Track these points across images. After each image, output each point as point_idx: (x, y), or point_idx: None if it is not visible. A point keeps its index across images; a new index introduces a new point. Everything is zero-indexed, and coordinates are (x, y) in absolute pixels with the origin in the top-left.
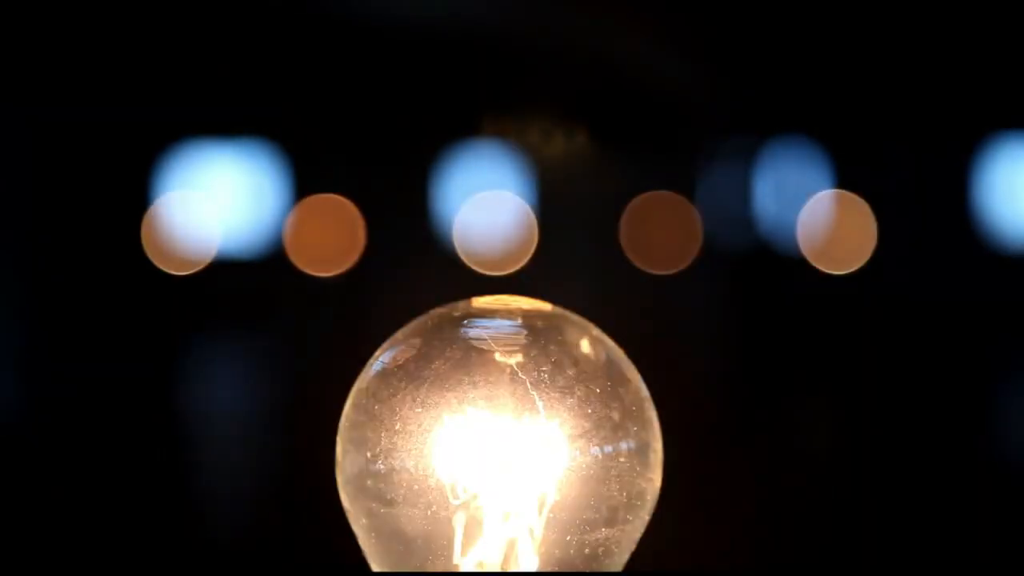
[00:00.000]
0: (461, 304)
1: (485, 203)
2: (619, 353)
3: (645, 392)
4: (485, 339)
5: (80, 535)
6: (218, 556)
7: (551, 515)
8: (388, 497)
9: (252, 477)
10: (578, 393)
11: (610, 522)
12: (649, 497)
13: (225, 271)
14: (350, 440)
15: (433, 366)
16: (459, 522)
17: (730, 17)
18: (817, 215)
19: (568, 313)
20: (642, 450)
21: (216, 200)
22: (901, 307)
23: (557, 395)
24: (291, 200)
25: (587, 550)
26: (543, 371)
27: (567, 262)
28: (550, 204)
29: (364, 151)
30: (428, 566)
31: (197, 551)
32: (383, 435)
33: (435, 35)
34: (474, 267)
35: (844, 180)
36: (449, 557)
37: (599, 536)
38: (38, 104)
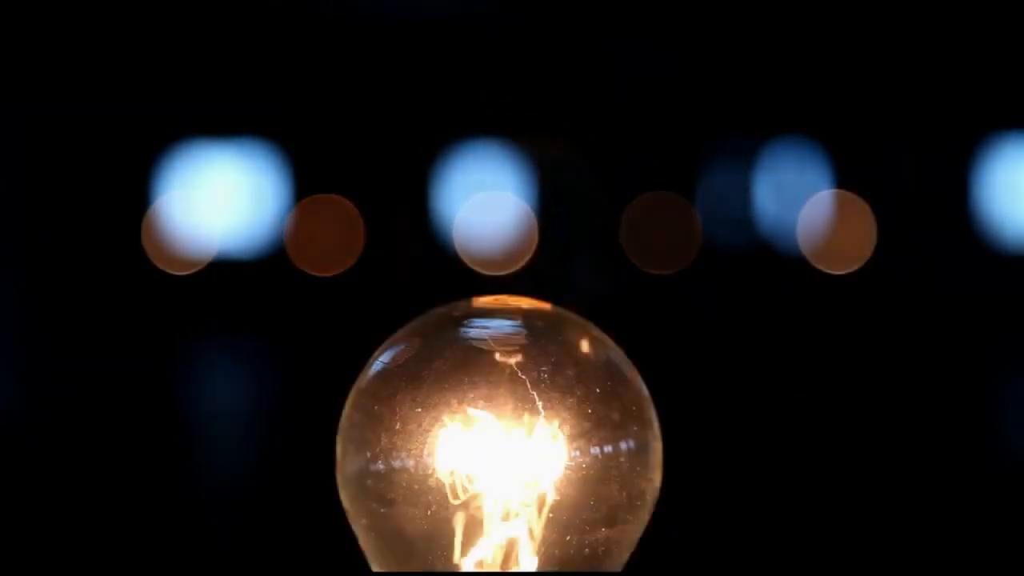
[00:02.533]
0: (461, 304)
1: (485, 203)
2: (619, 353)
3: (645, 392)
4: (485, 339)
5: (80, 535)
6: (218, 556)
7: (551, 515)
8: (388, 497)
9: (252, 476)
10: (578, 393)
11: (610, 522)
12: (649, 497)
13: (225, 271)
14: (350, 440)
15: (433, 366)
16: (459, 522)
17: (730, 17)
18: (817, 215)
19: (568, 313)
20: (642, 450)
21: (216, 200)
22: (901, 307)
23: (557, 395)
24: (291, 200)
25: (587, 550)
26: (543, 371)
27: (567, 262)
28: (550, 204)
29: (364, 151)
30: (428, 566)
31: (197, 551)
32: (383, 435)
33: (435, 35)
34: (474, 267)
35: (844, 180)
36: (449, 557)
37: (599, 536)
38: (38, 104)
